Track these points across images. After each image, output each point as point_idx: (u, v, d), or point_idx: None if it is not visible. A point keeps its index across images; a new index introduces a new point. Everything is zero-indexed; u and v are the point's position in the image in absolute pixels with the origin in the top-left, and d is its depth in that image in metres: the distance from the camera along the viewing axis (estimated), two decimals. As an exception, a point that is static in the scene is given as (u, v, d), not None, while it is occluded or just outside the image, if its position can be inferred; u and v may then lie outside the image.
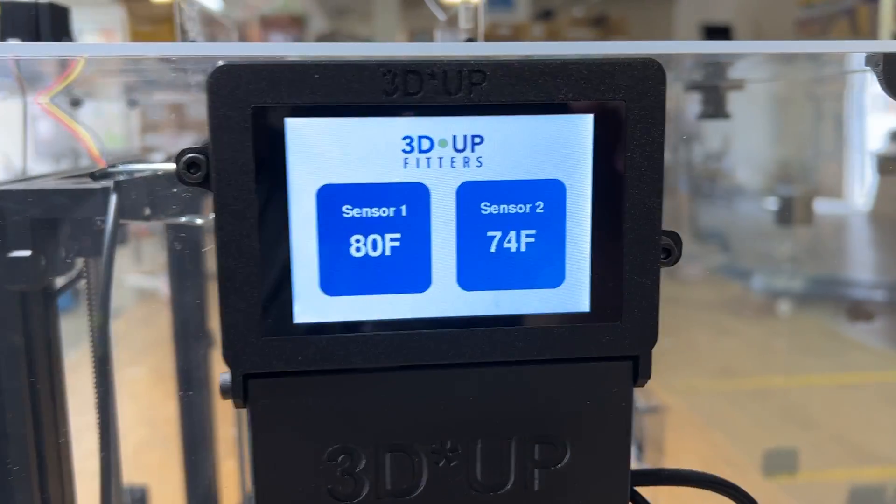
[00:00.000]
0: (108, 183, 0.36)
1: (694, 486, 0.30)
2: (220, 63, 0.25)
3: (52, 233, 0.38)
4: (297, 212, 0.26)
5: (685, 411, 1.86)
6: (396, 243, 0.26)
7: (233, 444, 0.93)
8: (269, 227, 0.26)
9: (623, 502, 0.29)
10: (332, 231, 0.26)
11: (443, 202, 0.26)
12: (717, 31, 3.85)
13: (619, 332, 0.27)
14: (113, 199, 0.35)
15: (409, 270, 0.26)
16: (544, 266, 0.27)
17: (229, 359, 0.26)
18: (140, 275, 2.73)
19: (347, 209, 0.26)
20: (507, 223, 0.26)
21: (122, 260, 0.43)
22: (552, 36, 3.91)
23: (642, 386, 0.28)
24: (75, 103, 0.59)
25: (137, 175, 0.37)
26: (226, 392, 0.27)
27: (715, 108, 0.59)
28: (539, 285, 0.27)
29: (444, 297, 0.27)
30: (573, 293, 0.27)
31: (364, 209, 0.26)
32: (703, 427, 1.86)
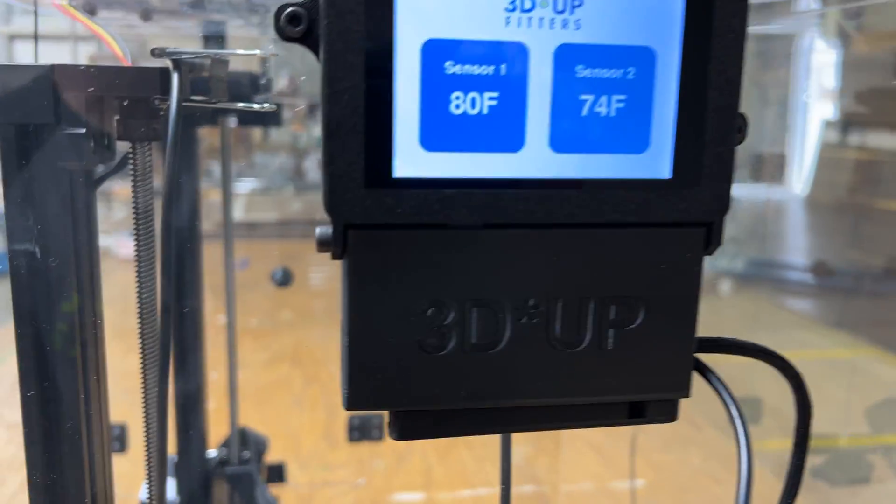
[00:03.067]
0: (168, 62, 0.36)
1: (749, 356, 0.32)
2: (335, -88, 0.25)
3: (104, 114, 0.37)
4: (402, 66, 0.26)
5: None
6: (494, 102, 0.27)
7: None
8: (374, 80, 0.26)
9: (688, 365, 0.30)
10: (434, 86, 0.27)
11: (540, 63, 0.27)
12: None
13: (698, 199, 0.29)
14: (175, 77, 0.35)
15: (505, 130, 0.27)
16: (631, 131, 0.28)
17: (331, 208, 0.27)
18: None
19: (450, 65, 0.27)
20: (600, 87, 0.27)
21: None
22: None
23: (712, 253, 0.30)
24: (90, 10, 0.57)
25: (194, 58, 0.37)
26: (324, 244, 0.27)
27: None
28: (625, 150, 0.28)
29: (536, 157, 0.28)
30: (657, 159, 0.28)
31: (466, 66, 0.27)
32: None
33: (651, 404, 0.31)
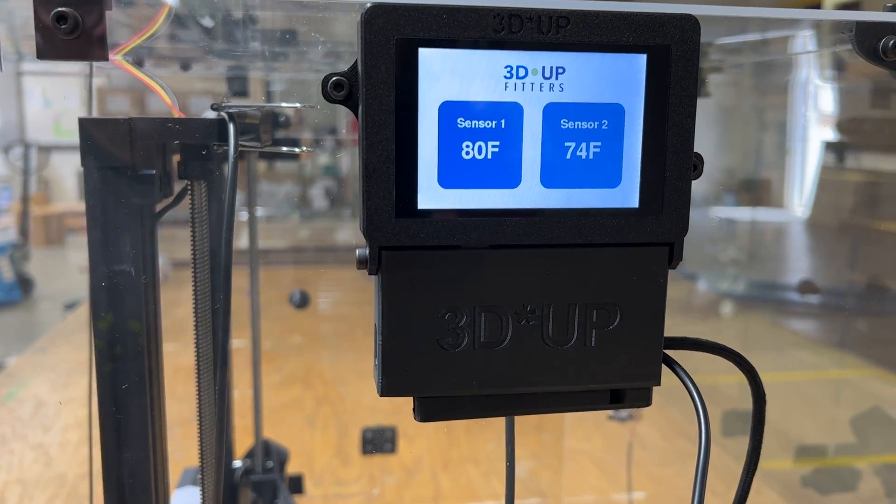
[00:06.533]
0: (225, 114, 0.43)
1: (709, 352, 0.39)
2: (371, 3, 0.32)
3: (167, 157, 0.44)
4: (423, 121, 0.33)
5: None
6: (496, 149, 0.34)
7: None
8: (402, 133, 0.33)
9: (658, 359, 0.37)
10: (449, 138, 0.34)
11: (533, 118, 0.34)
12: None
13: (661, 224, 0.36)
14: (231, 128, 0.42)
15: (505, 170, 0.34)
16: (606, 170, 0.35)
17: (368, 234, 0.34)
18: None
19: (461, 121, 0.34)
20: (580, 136, 0.35)
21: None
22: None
23: (675, 267, 0.36)
24: (138, 62, 0.65)
25: (246, 110, 0.44)
26: (362, 262, 0.34)
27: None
28: (601, 185, 0.35)
29: (530, 192, 0.35)
30: (627, 192, 0.35)
31: (473, 121, 0.34)
32: (663, 405, 1.96)
33: (628, 392, 0.38)
